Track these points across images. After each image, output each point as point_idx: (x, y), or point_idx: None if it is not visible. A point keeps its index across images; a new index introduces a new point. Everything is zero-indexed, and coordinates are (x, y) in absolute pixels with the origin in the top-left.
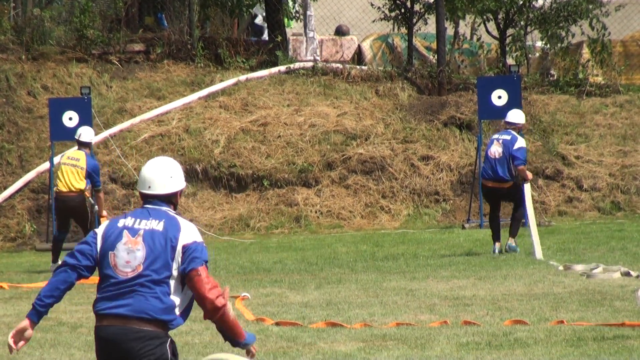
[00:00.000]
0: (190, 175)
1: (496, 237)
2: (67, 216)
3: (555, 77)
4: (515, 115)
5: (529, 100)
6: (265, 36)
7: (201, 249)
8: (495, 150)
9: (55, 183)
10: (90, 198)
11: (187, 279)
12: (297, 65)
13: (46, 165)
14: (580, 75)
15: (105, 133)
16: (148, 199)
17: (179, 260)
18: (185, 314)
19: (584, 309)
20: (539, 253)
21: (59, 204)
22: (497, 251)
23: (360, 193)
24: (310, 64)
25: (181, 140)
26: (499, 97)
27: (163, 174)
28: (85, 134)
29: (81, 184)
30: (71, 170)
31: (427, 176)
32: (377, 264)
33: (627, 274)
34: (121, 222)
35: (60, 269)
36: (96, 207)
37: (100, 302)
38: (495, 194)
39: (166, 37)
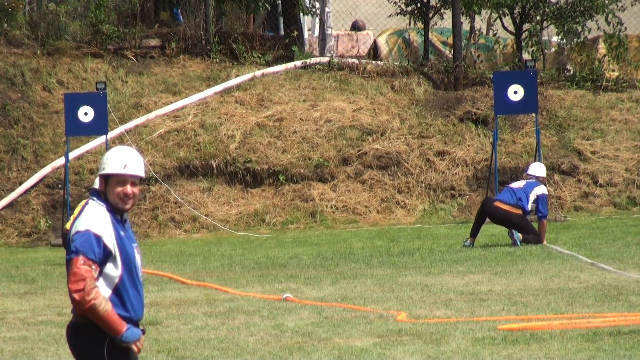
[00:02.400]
0: (206, 170)
1: (474, 233)
2: None
3: (572, 72)
4: (537, 168)
5: (545, 95)
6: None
7: (80, 238)
8: (517, 184)
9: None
10: None
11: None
12: (313, 60)
13: (61, 160)
14: (596, 70)
15: (121, 128)
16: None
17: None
18: (117, 300)
19: (599, 304)
20: None
21: (64, 240)
22: (468, 244)
23: (376, 188)
24: (326, 59)
25: (197, 135)
26: (515, 92)
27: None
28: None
29: None
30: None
31: (443, 171)
32: (393, 259)
33: None
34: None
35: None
36: None
37: (138, 319)
38: (506, 218)
39: (182, 32)
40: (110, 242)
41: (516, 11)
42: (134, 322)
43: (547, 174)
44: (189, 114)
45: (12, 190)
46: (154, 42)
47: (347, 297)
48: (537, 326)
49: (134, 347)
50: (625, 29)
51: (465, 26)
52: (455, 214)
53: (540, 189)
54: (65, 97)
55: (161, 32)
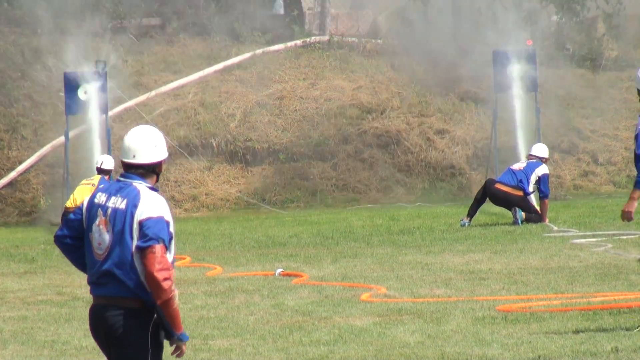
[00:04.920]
0: (206, 149)
1: (471, 213)
2: None
3: (571, 51)
4: (540, 149)
5: (544, 74)
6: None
7: (156, 225)
8: (518, 165)
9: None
10: None
11: (141, 256)
12: (313, 39)
13: (61, 139)
14: (596, 50)
15: (121, 107)
16: (131, 168)
17: (136, 236)
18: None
19: (599, 283)
20: None
21: (63, 218)
22: (465, 224)
23: (375, 167)
24: (326, 38)
25: (197, 114)
26: (515, 71)
27: (148, 143)
28: (106, 162)
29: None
30: (84, 188)
31: (443, 150)
32: (393, 238)
33: None
34: (97, 198)
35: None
36: None
37: (89, 284)
38: (507, 200)
39: (182, 11)
40: (172, 228)
41: None
42: None
43: (548, 154)
44: (189, 93)
45: (12, 169)
46: (154, 21)
47: (347, 276)
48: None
49: (184, 348)
50: (625, 8)
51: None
52: (456, 192)
53: (542, 170)
54: (65, 76)
55: (162, 11)
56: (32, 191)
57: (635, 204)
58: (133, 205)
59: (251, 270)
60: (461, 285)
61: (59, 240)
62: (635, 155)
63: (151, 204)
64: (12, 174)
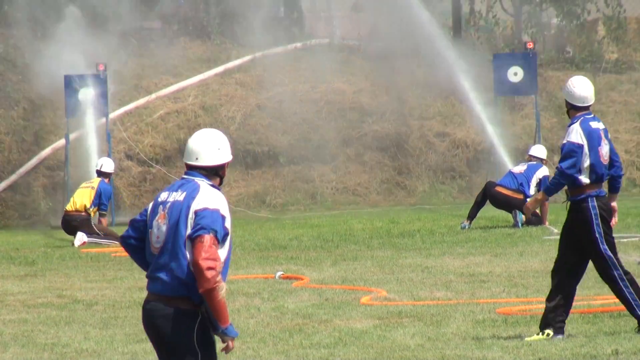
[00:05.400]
0: None
1: (471, 215)
2: (72, 233)
3: (571, 54)
4: (538, 150)
5: (544, 77)
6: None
7: (210, 216)
8: (519, 168)
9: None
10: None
11: (191, 245)
12: (313, 41)
13: (62, 142)
14: (596, 52)
15: (121, 110)
16: (194, 170)
17: (190, 225)
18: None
19: (600, 286)
20: None
21: (63, 222)
22: (465, 226)
23: (376, 169)
24: (326, 41)
25: (197, 117)
26: (515, 74)
27: (211, 146)
28: (106, 164)
29: (87, 200)
30: (83, 191)
31: (443, 152)
32: (393, 241)
33: None
34: (160, 197)
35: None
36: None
37: (146, 277)
38: (507, 203)
39: (182, 14)
40: (229, 225)
41: None
42: None
43: (547, 156)
44: (189, 96)
45: (13, 172)
46: (154, 23)
47: (347, 279)
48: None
49: (230, 344)
50: (625, 10)
51: (465, 8)
52: (456, 195)
53: (542, 171)
54: (66, 78)
55: (162, 13)
56: (32, 194)
57: (537, 205)
58: (191, 197)
59: (251, 273)
60: (461, 288)
61: (124, 241)
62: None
63: (209, 197)
64: (13, 177)
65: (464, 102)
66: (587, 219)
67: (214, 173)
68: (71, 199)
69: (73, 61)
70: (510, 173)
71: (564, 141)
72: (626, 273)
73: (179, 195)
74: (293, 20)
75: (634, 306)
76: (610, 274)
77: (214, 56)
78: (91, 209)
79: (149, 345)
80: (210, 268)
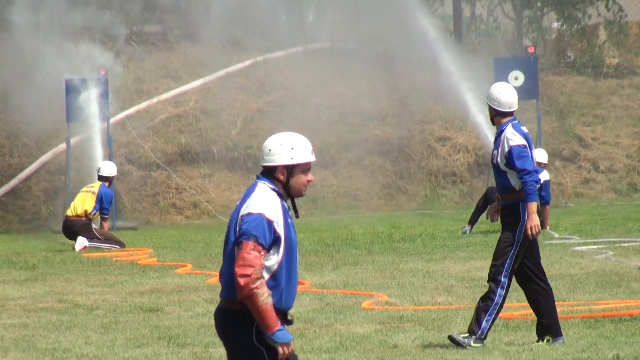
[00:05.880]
0: (207, 156)
1: (473, 220)
2: (73, 238)
3: (572, 58)
4: (539, 154)
5: (545, 82)
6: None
7: (253, 221)
8: None
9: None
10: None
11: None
12: (314, 45)
13: (63, 146)
14: (597, 57)
15: (122, 114)
16: (262, 171)
17: (237, 230)
18: (272, 286)
19: (601, 290)
20: None
21: (64, 227)
22: (466, 231)
23: (377, 174)
24: (327, 45)
25: (198, 121)
26: (516, 78)
27: (268, 147)
28: (106, 168)
29: (88, 205)
30: (84, 196)
31: (444, 157)
32: (394, 245)
33: None
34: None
35: None
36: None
37: None
38: None
39: (183, 18)
40: (280, 228)
41: None
42: (282, 311)
43: (548, 161)
44: (191, 100)
45: (13, 176)
46: (155, 28)
47: (348, 283)
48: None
49: (280, 350)
50: (626, 15)
51: (466, 12)
52: (457, 199)
53: (543, 176)
54: (67, 82)
55: (163, 17)
56: (33, 198)
57: (536, 217)
58: (243, 201)
59: None
60: (462, 292)
61: None
62: (521, 169)
63: (257, 201)
64: (14, 181)
65: (464, 106)
66: (517, 222)
67: (271, 175)
68: (72, 204)
69: (74, 65)
70: None
71: (507, 148)
72: (508, 288)
73: (240, 200)
74: (294, 24)
75: (483, 318)
76: (498, 278)
77: (215, 60)
78: (92, 214)
79: (149, 350)
80: (243, 275)
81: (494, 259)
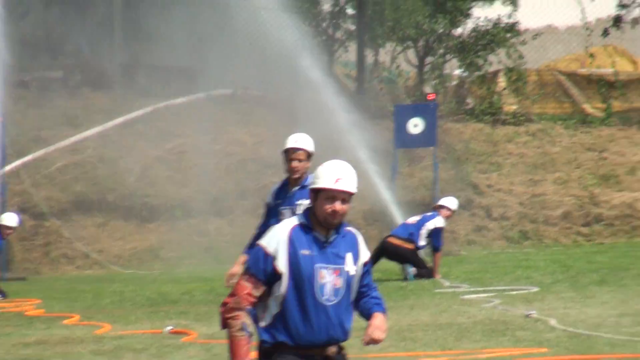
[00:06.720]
0: (102, 204)
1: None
2: None
3: (471, 105)
4: (449, 200)
5: (444, 129)
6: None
7: (253, 253)
8: (414, 218)
9: None
10: None
11: None
12: (216, 92)
13: None
14: (496, 104)
15: (18, 162)
16: None
17: None
18: (279, 321)
19: (487, 339)
20: None
21: None
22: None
23: None
24: (230, 91)
25: (95, 168)
26: (415, 126)
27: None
28: (10, 219)
29: None
30: None
31: None
32: None
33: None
34: None
35: None
36: None
37: None
38: (397, 253)
39: (85, 64)
40: (282, 261)
41: (420, 44)
42: (303, 347)
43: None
44: (89, 147)
45: None
46: (56, 73)
47: None
48: None
49: None
50: (526, 62)
51: (369, 59)
52: None
53: (434, 222)
54: None
55: (65, 63)
56: None
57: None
58: None
59: (140, 329)
60: (351, 342)
61: None
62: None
63: (267, 233)
64: None
65: (359, 155)
66: None
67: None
68: None
69: None
70: (404, 223)
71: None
72: None
73: None
74: (197, 71)
75: None
76: None
77: (117, 107)
78: None
79: None
80: (222, 304)
81: None
